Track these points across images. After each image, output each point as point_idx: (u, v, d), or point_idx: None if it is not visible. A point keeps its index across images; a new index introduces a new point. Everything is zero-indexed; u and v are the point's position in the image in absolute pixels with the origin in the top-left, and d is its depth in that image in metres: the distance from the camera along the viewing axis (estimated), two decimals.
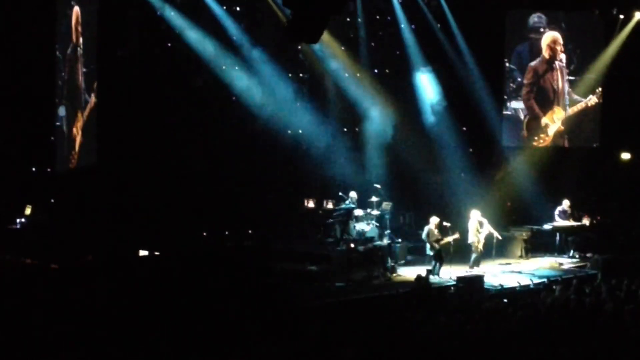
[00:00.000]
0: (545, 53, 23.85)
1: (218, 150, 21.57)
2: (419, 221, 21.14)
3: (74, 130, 20.66)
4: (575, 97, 24.01)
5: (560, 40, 23.80)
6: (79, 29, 20.36)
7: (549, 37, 23.83)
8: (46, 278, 14.90)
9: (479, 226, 18.94)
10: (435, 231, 18.48)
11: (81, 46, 20.46)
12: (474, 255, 18.86)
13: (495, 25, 23.52)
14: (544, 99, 24.09)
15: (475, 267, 18.74)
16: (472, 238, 18.89)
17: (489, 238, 19.21)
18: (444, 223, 18.77)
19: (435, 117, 23.33)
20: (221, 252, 17.94)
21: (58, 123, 20.62)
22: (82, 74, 20.51)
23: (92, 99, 20.57)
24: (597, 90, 23.91)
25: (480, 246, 18.91)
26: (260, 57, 21.97)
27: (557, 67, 23.93)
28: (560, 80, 23.95)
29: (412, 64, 23.43)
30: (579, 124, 24.22)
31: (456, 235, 18.61)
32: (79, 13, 20.21)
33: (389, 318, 13.00)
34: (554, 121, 24.04)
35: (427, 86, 23.29)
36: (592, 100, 23.92)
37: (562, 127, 24.12)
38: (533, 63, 23.95)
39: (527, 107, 24.05)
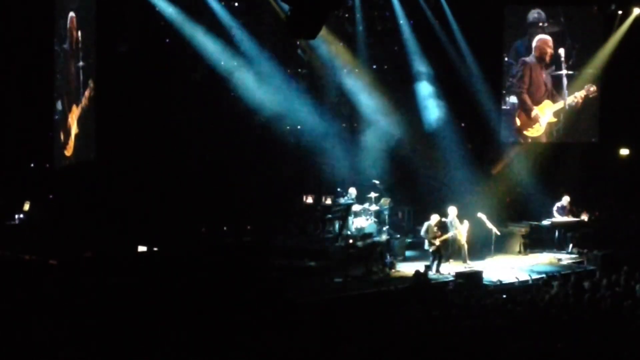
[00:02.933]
0: (535, 52, 23.91)
1: (216, 146, 21.54)
2: (418, 217, 21.14)
3: (69, 120, 20.66)
4: (567, 92, 24.04)
5: (550, 43, 23.82)
6: (75, 23, 20.34)
7: (539, 38, 23.90)
8: (45, 274, 14.89)
9: (457, 222, 18.91)
10: (435, 228, 18.48)
11: (79, 40, 20.44)
12: (462, 251, 18.87)
13: (494, 21, 23.51)
14: (536, 93, 24.06)
15: (468, 262, 18.77)
16: (452, 233, 18.86)
17: (487, 234, 19.21)
18: (444, 219, 18.77)
19: (433, 113, 23.30)
20: (220, 247, 17.93)
21: (57, 117, 20.64)
22: (80, 68, 20.50)
23: (88, 93, 20.56)
24: (585, 86, 23.90)
25: (463, 240, 18.87)
26: (259, 52, 21.94)
27: (546, 66, 23.95)
28: (550, 78, 23.97)
29: (411, 60, 23.39)
30: (577, 119, 24.17)
31: (458, 230, 18.62)
32: (75, 12, 20.21)
33: (388, 314, 13.01)
34: (544, 113, 24.04)
35: (426, 82, 23.25)
36: (582, 93, 23.91)
37: (555, 119, 24.08)
38: (526, 58, 23.98)
39: (519, 100, 24.05)
